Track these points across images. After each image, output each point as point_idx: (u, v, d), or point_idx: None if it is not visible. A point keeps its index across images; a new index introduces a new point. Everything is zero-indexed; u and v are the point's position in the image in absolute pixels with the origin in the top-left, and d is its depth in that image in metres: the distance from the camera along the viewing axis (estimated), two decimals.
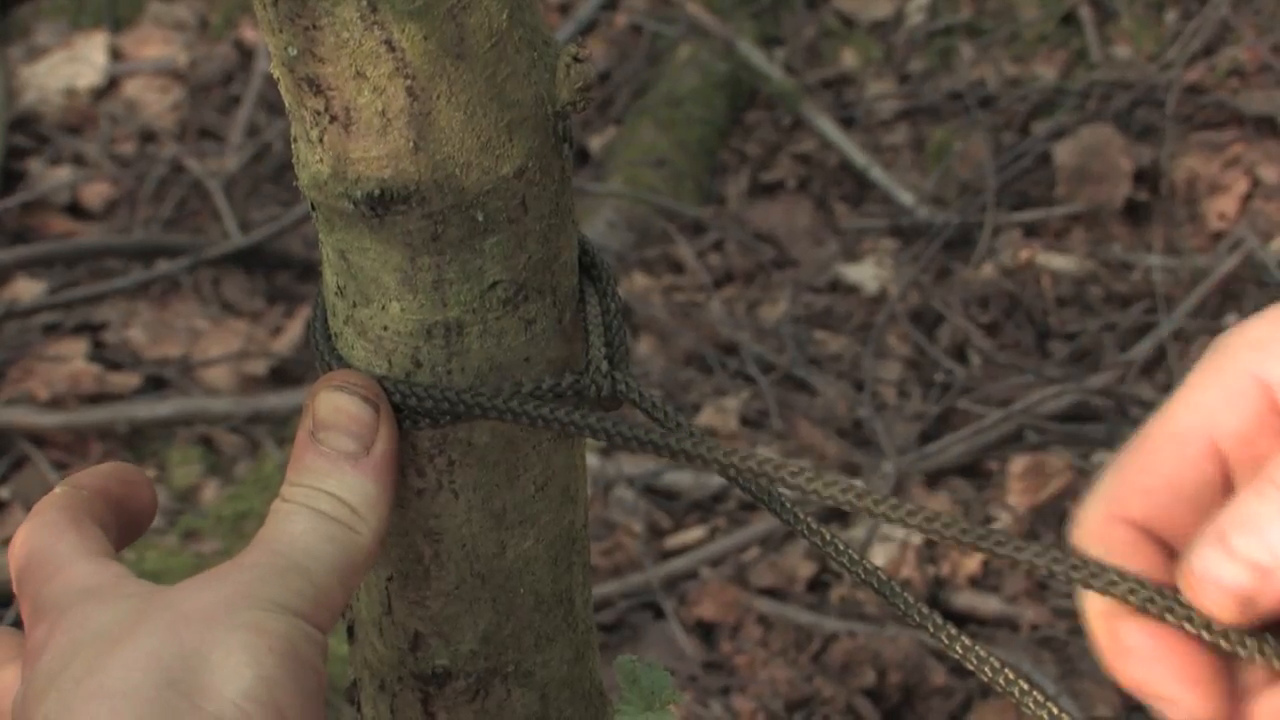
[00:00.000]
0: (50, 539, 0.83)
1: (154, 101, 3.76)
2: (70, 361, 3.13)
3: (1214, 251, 3.25)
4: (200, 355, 3.18)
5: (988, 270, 3.28)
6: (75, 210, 3.55)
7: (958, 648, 0.84)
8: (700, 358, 3.12)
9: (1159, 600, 0.69)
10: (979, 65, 3.74)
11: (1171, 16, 3.74)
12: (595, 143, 3.65)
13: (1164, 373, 3.00)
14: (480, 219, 0.80)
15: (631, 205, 3.40)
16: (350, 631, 0.94)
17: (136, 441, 2.99)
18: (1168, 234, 3.33)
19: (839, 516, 2.76)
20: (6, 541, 2.77)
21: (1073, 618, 2.58)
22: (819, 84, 3.75)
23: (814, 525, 0.87)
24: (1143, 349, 3.05)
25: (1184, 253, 3.28)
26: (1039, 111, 3.61)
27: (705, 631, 2.64)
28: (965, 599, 2.63)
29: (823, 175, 3.56)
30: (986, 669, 0.83)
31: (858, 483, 0.76)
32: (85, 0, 3.93)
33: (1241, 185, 3.36)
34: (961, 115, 3.62)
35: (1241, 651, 0.69)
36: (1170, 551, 0.70)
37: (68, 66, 3.80)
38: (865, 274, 3.32)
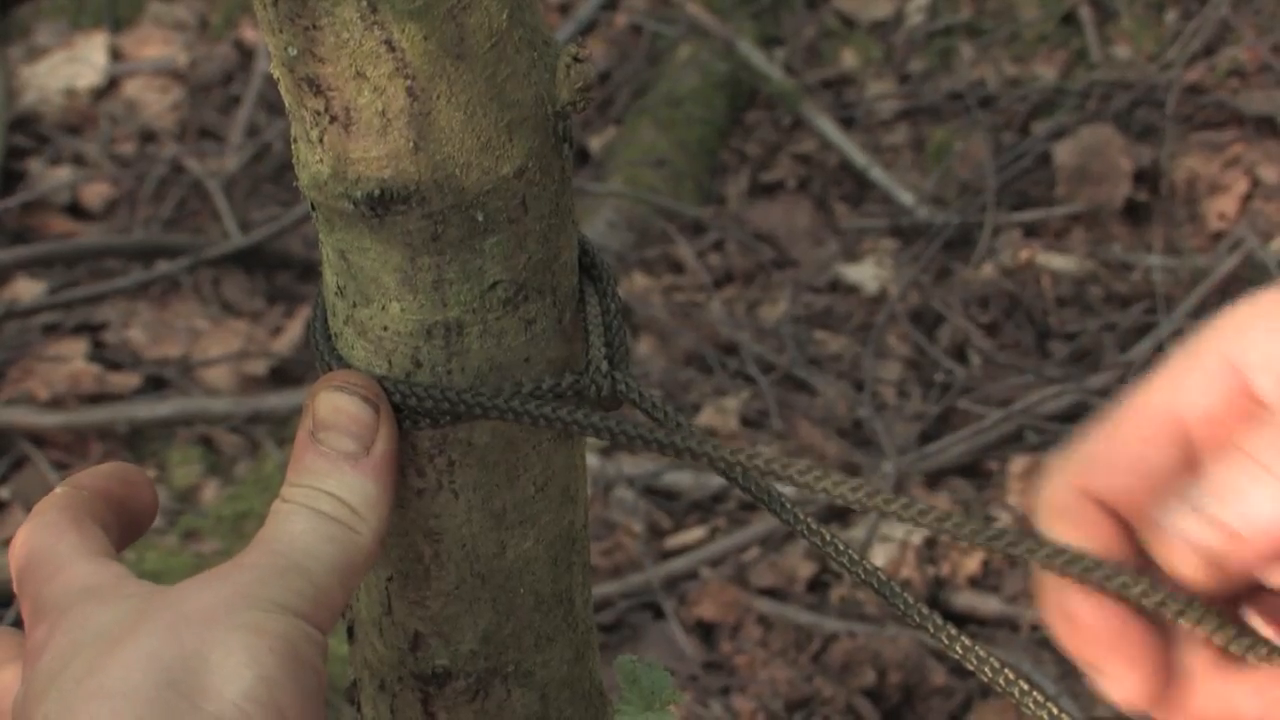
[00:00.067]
0: (51, 539, 0.83)
1: (154, 101, 3.76)
2: (70, 361, 3.13)
3: (1214, 251, 3.25)
4: (200, 355, 3.18)
5: (988, 270, 3.29)
6: (75, 210, 3.55)
7: (958, 648, 0.84)
8: (700, 358, 3.12)
9: (1114, 576, 0.70)
10: (979, 65, 3.74)
11: (1171, 16, 3.74)
12: (595, 143, 3.65)
13: None
14: (480, 219, 0.80)
15: (631, 205, 3.40)
16: (350, 631, 0.94)
17: (136, 441, 2.99)
18: (1168, 234, 3.33)
19: (839, 517, 2.76)
20: (7, 541, 2.77)
21: None
22: (819, 84, 3.75)
23: (814, 525, 0.87)
24: (1143, 349, 3.05)
25: (1184, 253, 3.28)
26: (1039, 111, 3.61)
27: (705, 631, 2.64)
28: (965, 599, 2.63)
29: (823, 175, 3.56)
30: (986, 669, 0.83)
31: (861, 481, 0.76)
32: (85, 0, 3.93)
33: (1241, 185, 3.36)
34: (961, 115, 3.62)
35: (1203, 627, 0.70)
36: (1128, 528, 0.71)
37: (68, 66, 3.80)
38: (865, 274, 3.32)
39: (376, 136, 0.77)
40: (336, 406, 0.82)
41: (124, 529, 0.87)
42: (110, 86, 3.80)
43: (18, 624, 0.84)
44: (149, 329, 3.22)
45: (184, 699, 0.74)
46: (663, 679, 0.99)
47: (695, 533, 2.78)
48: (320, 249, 0.84)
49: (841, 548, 0.87)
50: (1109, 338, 3.12)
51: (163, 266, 3.32)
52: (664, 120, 3.59)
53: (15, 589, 0.83)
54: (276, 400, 3.02)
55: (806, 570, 2.70)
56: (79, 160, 3.64)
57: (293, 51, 0.75)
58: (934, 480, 2.83)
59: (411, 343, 0.83)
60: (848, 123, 3.66)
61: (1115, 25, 3.76)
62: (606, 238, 3.30)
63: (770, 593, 2.67)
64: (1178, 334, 3.06)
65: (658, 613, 2.66)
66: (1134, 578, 0.70)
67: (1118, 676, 0.71)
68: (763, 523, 2.75)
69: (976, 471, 2.86)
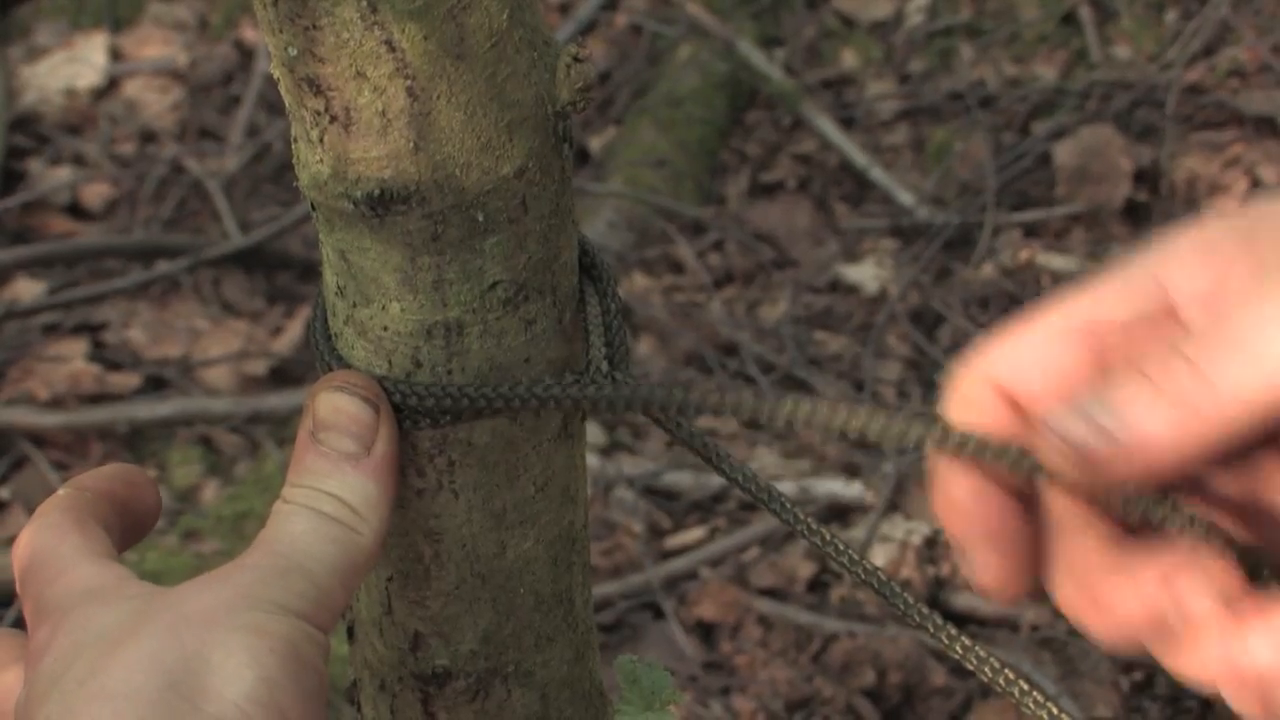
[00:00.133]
0: (53, 541, 0.83)
1: (154, 101, 3.76)
2: (70, 361, 3.13)
3: None
4: (200, 355, 3.18)
5: (988, 270, 3.29)
6: (75, 210, 3.55)
7: (958, 648, 0.84)
8: (700, 358, 3.12)
9: (999, 452, 0.72)
10: (979, 65, 3.74)
11: (1171, 16, 3.74)
12: (595, 143, 3.65)
13: None
14: (480, 219, 0.80)
15: (631, 205, 3.40)
16: (350, 632, 0.94)
17: (137, 442, 2.99)
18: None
19: (839, 517, 2.77)
20: (6, 541, 2.77)
21: None
22: (819, 84, 3.75)
23: (814, 525, 0.87)
24: None
25: None
26: (1039, 112, 3.61)
27: (705, 631, 2.64)
28: (965, 599, 2.64)
29: (823, 175, 3.56)
30: (986, 669, 0.83)
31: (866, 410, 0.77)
32: (85, 0, 3.93)
33: (1241, 185, 3.36)
34: (962, 115, 3.62)
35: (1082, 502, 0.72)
36: (1026, 419, 0.73)
37: (68, 67, 3.80)
38: (865, 274, 3.32)
39: (377, 136, 0.77)
40: (337, 407, 0.83)
41: (127, 530, 0.87)
42: (110, 86, 3.80)
43: (18, 624, 0.84)
44: (149, 329, 3.22)
45: (185, 700, 0.74)
46: (663, 679, 0.99)
47: (695, 533, 2.78)
48: (320, 249, 0.84)
49: (841, 548, 0.87)
50: None
51: (163, 266, 3.32)
52: (664, 120, 3.59)
53: (18, 590, 0.83)
54: (276, 400, 3.02)
55: (806, 570, 2.70)
56: (79, 160, 3.64)
57: (293, 51, 0.75)
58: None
59: (412, 343, 0.83)
60: (848, 123, 3.66)
61: (1115, 25, 3.76)
62: (606, 238, 3.30)
63: (770, 593, 2.67)
64: None
65: (658, 613, 2.66)
66: (1022, 452, 0.72)
67: (983, 560, 0.73)
68: (763, 523, 2.75)
69: None
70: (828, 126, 3.62)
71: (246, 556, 0.80)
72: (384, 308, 0.82)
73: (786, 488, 2.73)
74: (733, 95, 3.69)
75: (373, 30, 0.74)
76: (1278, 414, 0.69)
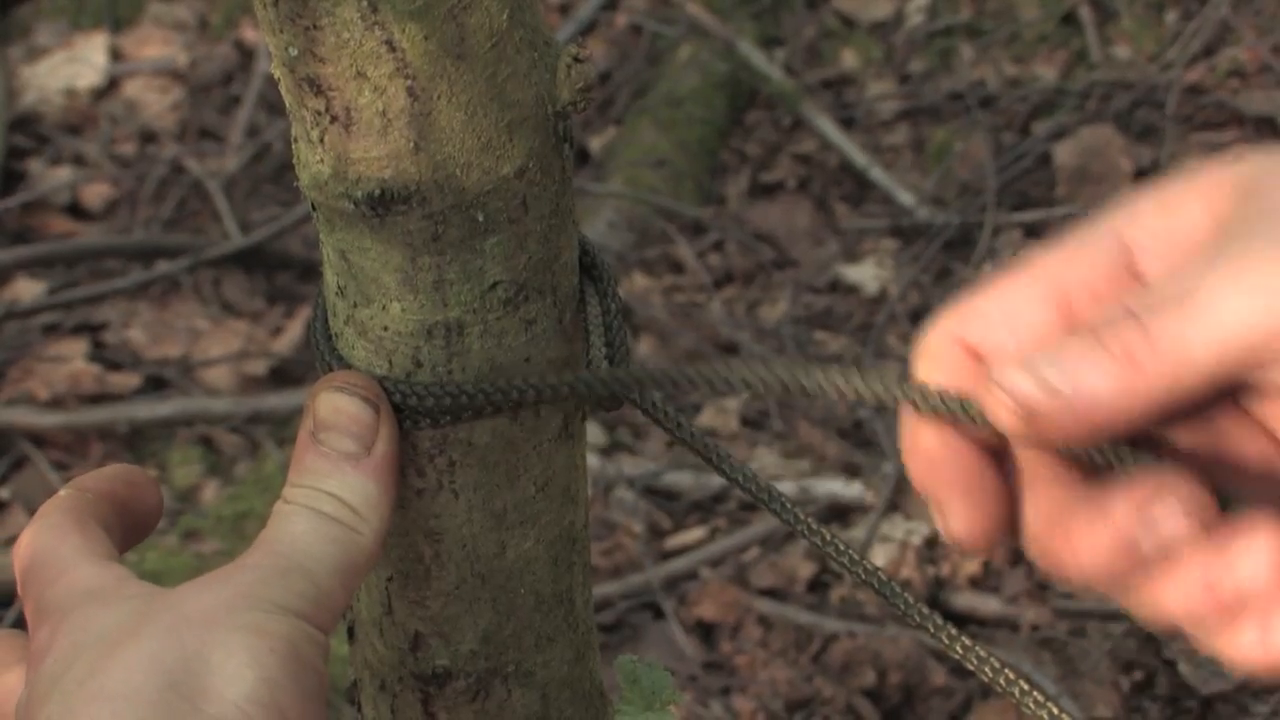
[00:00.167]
0: (54, 541, 0.83)
1: (154, 102, 3.76)
2: (70, 362, 3.13)
3: None
4: (200, 355, 3.18)
5: (988, 270, 3.29)
6: (75, 210, 3.55)
7: (958, 648, 0.84)
8: (701, 358, 3.12)
9: (957, 405, 0.73)
10: (979, 66, 3.74)
11: (1171, 17, 3.74)
12: (595, 143, 3.65)
13: None
14: (481, 219, 0.80)
15: (632, 205, 3.40)
16: (350, 632, 0.94)
17: (137, 442, 2.99)
18: None
19: (839, 517, 2.77)
20: (6, 542, 2.77)
21: (1073, 618, 2.58)
22: (819, 84, 3.75)
23: (814, 525, 0.87)
24: None
25: None
26: (1039, 112, 3.61)
27: (705, 632, 2.64)
28: (965, 599, 2.63)
29: (823, 175, 3.56)
30: (987, 669, 0.83)
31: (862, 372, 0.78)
32: (85, 0, 3.93)
33: None
34: (962, 116, 3.62)
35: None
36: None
37: (68, 67, 3.80)
38: (865, 274, 3.32)
39: (377, 136, 0.77)
40: (337, 407, 0.83)
41: (128, 531, 0.87)
42: (110, 87, 3.80)
43: (19, 624, 0.84)
44: (149, 329, 3.22)
45: (185, 700, 0.74)
46: (663, 679, 0.99)
47: (695, 533, 2.78)
48: (321, 249, 0.84)
49: (842, 548, 0.87)
50: None
51: (163, 267, 3.32)
52: (664, 120, 3.59)
53: (19, 590, 0.83)
54: (277, 400, 3.02)
55: (807, 570, 2.70)
56: (79, 160, 3.64)
57: (293, 52, 0.75)
58: None
59: (412, 343, 0.83)
60: (848, 123, 3.66)
61: (1115, 25, 3.76)
62: (607, 238, 3.30)
63: (770, 593, 2.67)
64: None
65: (658, 613, 2.66)
66: (979, 409, 0.73)
67: (954, 510, 0.74)
68: (763, 523, 2.75)
69: None
70: (828, 126, 3.62)
71: (247, 557, 0.80)
72: (384, 308, 0.82)
73: (787, 488, 2.73)
74: (733, 95, 3.69)
75: (373, 30, 0.74)
76: (1230, 373, 0.69)
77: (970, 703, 2.51)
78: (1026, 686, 0.82)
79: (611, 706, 0.99)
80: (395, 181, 0.78)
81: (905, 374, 0.75)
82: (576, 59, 0.80)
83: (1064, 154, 3.47)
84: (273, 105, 3.71)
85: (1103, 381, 0.69)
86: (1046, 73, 3.69)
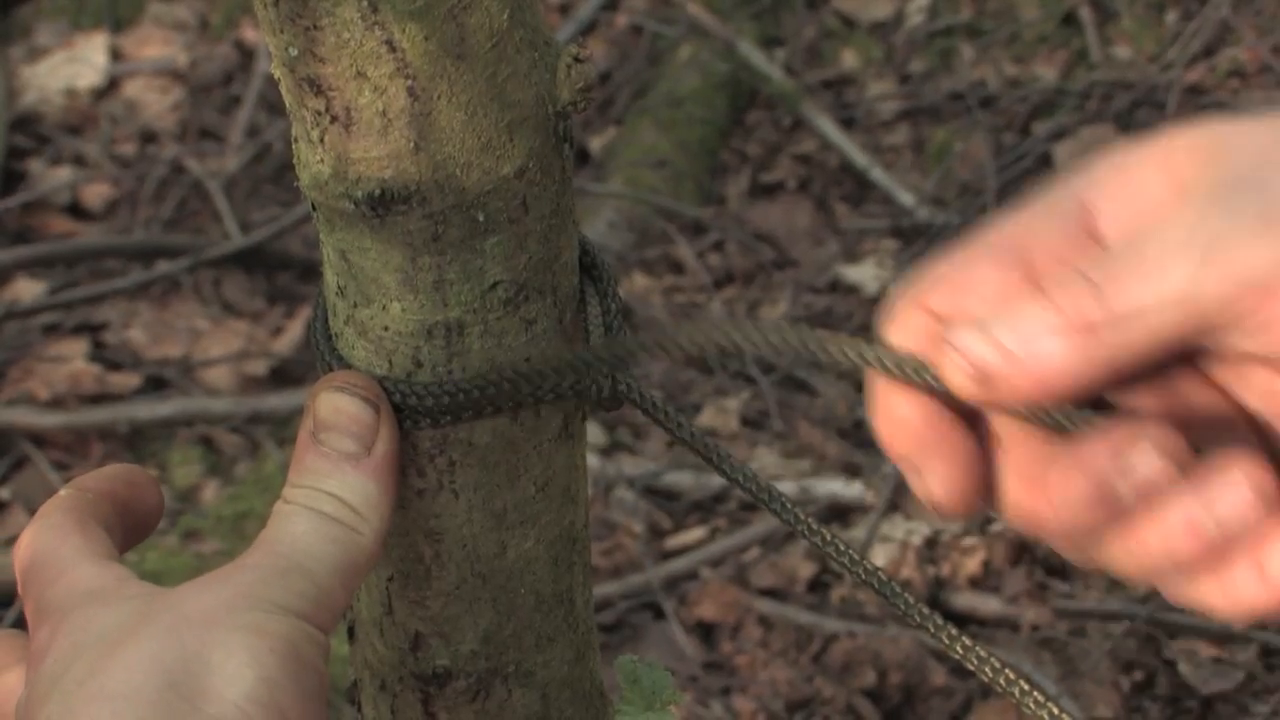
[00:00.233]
0: (55, 542, 0.83)
1: (154, 102, 3.76)
2: (70, 362, 3.13)
3: None
4: (200, 355, 3.18)
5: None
6: (75, 210, 3.55)
7: (958, 648, 0.84)
8: (701, 358, 3.12)
9: (917, 368, 0.73)
10: (979, 66, 3.74)
11: (1172, 17, 3.74)
12: (596, 143, 3.65)
13: None
14: (481, 219, 0.80)
15: (632, 206, 3.40)
16: (351, 632, 0.94)
17: (137, 442, 2.99)
18: None
19: (839, 517, 2.77)
20: (6, 542, 2.77)
21: (1073, 618, 2.58)
22: (819, 84, 3.75)
23: (814, 525, 0.87)
24: None
25: None
26: (1039, 112, 3.61)
27: (705, 632, 2.64)
28: (965, 599, 2.63)
29: (823, 176, 3.56)
30: (987, 669, 0.83)
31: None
32: (86, 1, 3.93)
33: None
34: (962, 116, 3.62)
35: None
36: None
37: (68, 67, 3.80)
38: (865, 274, 3.32)
39: (377, 136, 0.77)
40: (337, 407, 0.83)
41: (128, 531, 0.87)
42: (110, 87, 3.80)
43: (19, 624, 0.84)
44: (149, 329, 3.22)
45: (185, 700, 0.74)
46: (663, 679, 0.99)
47: (695, 533, 2.78)
48: (321, 249, 0.84)
49: (842, 548, 0.87)
50: None
51: (163, 267, 3.32)
52: (664, 121, 3.59)
53: (20, 590, 0.83)
54: (277, 400, 3.02)
55: (807, 570, 2.70)
56: (79, 160, 3.64)
57: (293, 52, 0.75)
58: None
59: (412, 343, 0.83)
60: (848, 123, 3.66)
61: (1115, 25, 3.76)
62: (607, 238, 3.30)
63: (771, 593, 2.67)
64: None
65: (658, 613, 2.66)
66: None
67: (931, 472, 0.74)
68: (763, 523, 2.75)
69: None
70: (828, 127, 3.62)
71: (247, 557, 0.80)
72: (384, 308, 0.82)
73: (787, 488, 2.73)
74: (733, 95, 3.69)
75: (373, 30, 0.74)
76: (1183, 336, 0.69)
77: (970, 703, 2.51)
78: (1027, 686, 0.82)
79: (612, 706, 0.99)
80: (395, 181, 0.78)
81: (873, 340, 0.76)
82: (577, 59, 0.80)
83: (1064, 154, 3.47)
84: (273, 105, 3.71)
85: (1055, 343, 0.69)
86: (1047, 73, 3.69)
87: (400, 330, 0.83)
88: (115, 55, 3.85)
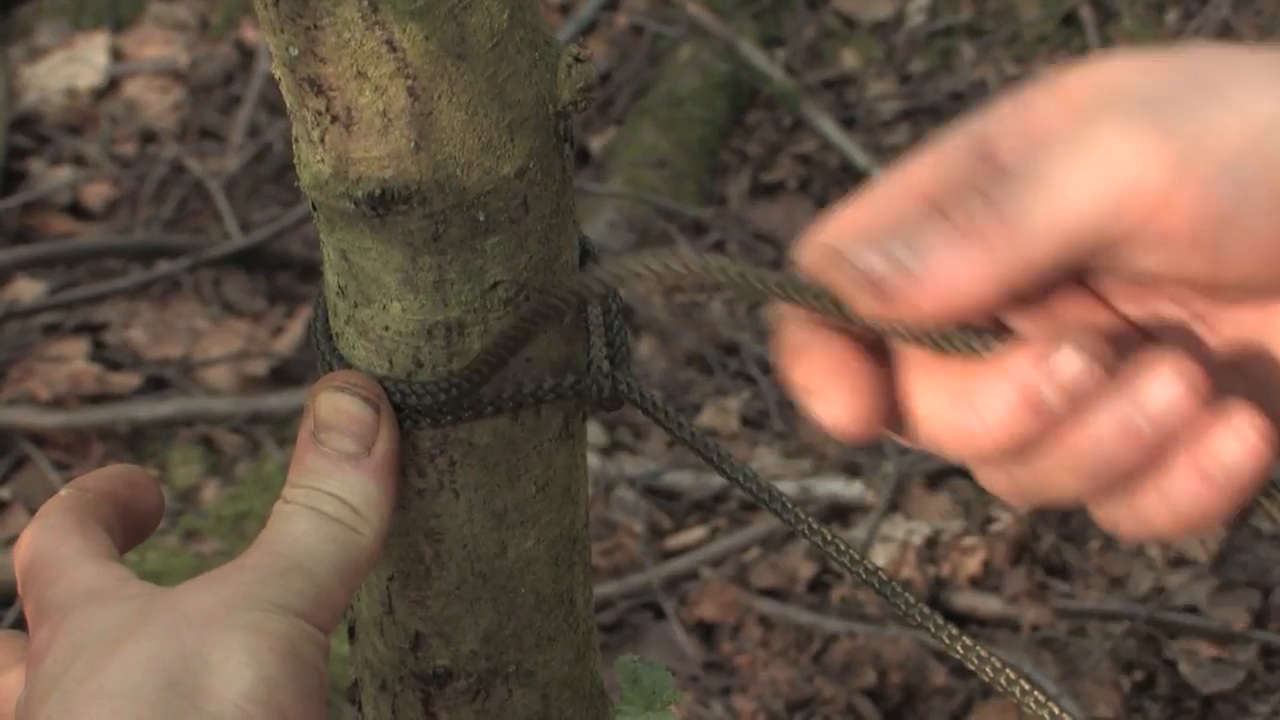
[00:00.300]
0: (55, 542, 0.83)
1: (155, 102, 3.77)
2: (71, 362, 3.13)
3: None
4: (201, 355, 3.18)
5: None
6: (76, 210, 3.55)
7: (958, 648, 0.84)
8: (701, 358, 3.12)
9: (819, 294, 0.73)
10: (980, 66, 3.74)
11: (1172, 17, 3.74)
12: (596, 143, 3.65)
13: None
14: (481, 219, 0.80)
15: (632, 205, 3.40)
16: (351, 631, 0.94)
17: (137, 442, 2.99)
18: None
19: (840, 516, 2.77)
20: (7, 541, 2.77)
21: (1073, 618, 2.58)
22: (820, 84, 3.75)
23: (815, 525, 0.87)
24: None
25: None
26: None
27: (706, 632, 2.64)
28: (966, 599, 2.63)
29: (824, 176, 3.56)
30: (987, 669, 0.83)
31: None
32: (86, 0, 3.93)
33: None
34: (962, 116, 3.61)
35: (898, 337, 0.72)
36: None
37: (68, 67, 3.80)
38: None
39: (378, 136, 0.77)
40: (337, 407, 0.83)
41: (129, 531, 0.87)
42: (111, 87, 3.80)
43: (19, 624, 0.84)
44: (150, 329, 3.22)
45: (184, 699, 0.74)
46: (664, 679, 0.99)
47: (696, 533, 2.78)
48: (321, 249, 0.84)
49: (842, 548, 0.87)
50: None
51: (163, 267, 3.32)
52: (665, 121, 3.59)
53: (20, 590, 0.83)
54: (277, 400, 3.02)
55: (807, 570, 2.70)
56: (80, 160, 3.64)
57: (294, 51, 0.75)
58: (935, 480, 2.83)
59: (413, 343, 0.83)
60: (849, 123, 3.66)
61: (1116, 25, 3.76)
62: (607, 238, 3.30)
63: (771, 593, 2.67)
64: None
65: (658, 613, 2.66)
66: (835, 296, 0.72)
67: (829, 398, 0.73)
68: (763, 523, 2.75)
69: None
70: (828, 126, 3.62)
71: (247, 556, 0.80)
72: (385, 308, 0.82)
73: (787, 487, 2.73)
74: (733, 95, 3.69)
75: (374, 30, 0.74)
76: (1079, 249, 0.69)
77: (971, 703, 2.51)
78: (1027, 686, 0.82)
79: (612, 706, 0.99)
80: (396, 181, 0.78)
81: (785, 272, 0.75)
82: (577, 59, 0.80)
83: None
84: (273, 105, 3.71)
85: (953, 258, 0.69)
86: (1047, 72, 3.69)
87: (401, 330, 0.83)
88: (116, 55, 3.85)
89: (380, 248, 0.80)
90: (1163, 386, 0.68)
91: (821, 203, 3.51)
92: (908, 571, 2.65)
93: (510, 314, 0.83)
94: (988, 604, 2.64)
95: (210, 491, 2.91)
